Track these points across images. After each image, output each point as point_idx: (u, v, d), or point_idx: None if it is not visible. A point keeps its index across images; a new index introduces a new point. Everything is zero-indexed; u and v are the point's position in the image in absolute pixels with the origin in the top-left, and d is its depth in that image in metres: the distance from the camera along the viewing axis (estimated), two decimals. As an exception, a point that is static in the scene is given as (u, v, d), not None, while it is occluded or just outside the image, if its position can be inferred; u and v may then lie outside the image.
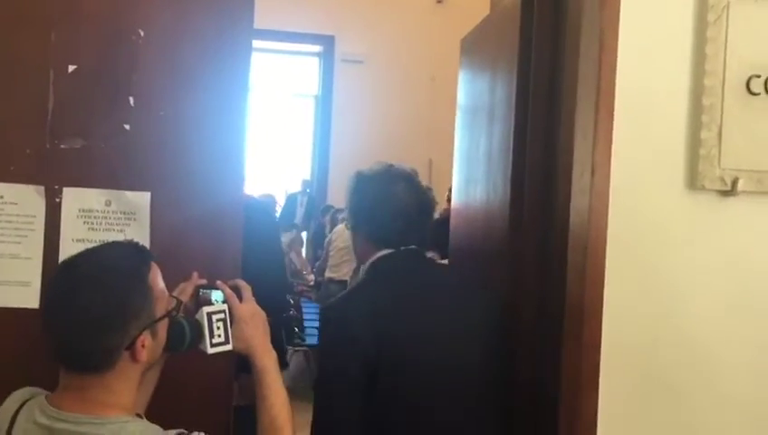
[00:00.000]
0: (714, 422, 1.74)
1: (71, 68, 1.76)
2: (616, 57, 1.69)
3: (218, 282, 1.51)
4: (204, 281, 1.51)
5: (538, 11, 1.99)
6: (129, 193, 1.79)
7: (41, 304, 1.64)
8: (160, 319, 1.28)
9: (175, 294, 1.44)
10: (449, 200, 4.49)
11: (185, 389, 1.72)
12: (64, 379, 1.24)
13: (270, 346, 1.46)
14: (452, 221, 2.80)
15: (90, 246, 1.72)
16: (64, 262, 1.30)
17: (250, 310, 1.47)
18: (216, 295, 1.48)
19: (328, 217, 7.87)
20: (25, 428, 1.23)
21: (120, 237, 1.75)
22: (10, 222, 1.75)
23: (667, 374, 1.72)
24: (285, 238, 7.34)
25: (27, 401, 1.27)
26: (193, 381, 1.72)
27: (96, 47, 1.77)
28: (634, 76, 1.71)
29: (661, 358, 1.72)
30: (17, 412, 1.25)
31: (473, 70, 2.60)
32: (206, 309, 1.41)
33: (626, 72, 1.70)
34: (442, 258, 3.74)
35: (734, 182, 1.72)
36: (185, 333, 1.38)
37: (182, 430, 1.23)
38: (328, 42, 8.94)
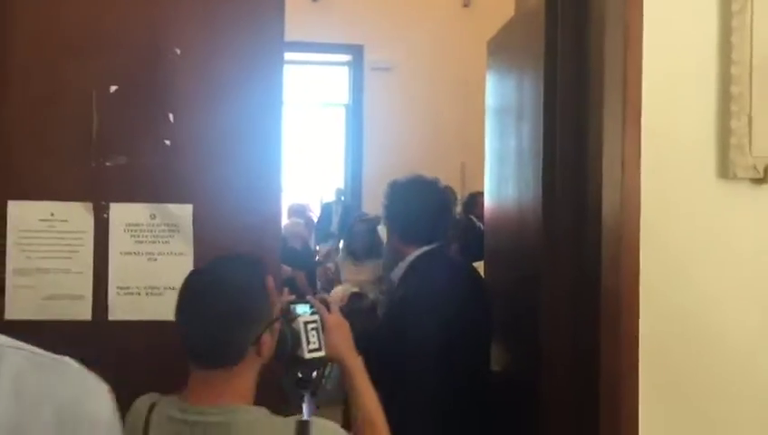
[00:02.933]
0: (751, 413, 1.73)
1: (112, 88, 1.84)
2: (641, 50, 1.70)
3: (308, 296, 1.71)
4: (293, 296, 1.65)
5: (562, 8, 2.02)
6: (171, 206, 1.85)
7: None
8: (276, 320, 1.47)
9: None
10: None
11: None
12: (195, 378, 1.40)
13: (355, 351, 1.61)
14: (486, 222, 2.84)
15: (137, 258, 1.84)
16: (195, 272, 1.51)
17: (337, 320, 1.61)
18: (302, 309, 1.59)
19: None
20: (159, 422, 1.39)
21: (164, 248, 1.84)
22: (62, 238, 1.83)
23: (704, 364, 1.72)
24: (323, 249, 7.40)
25: (155, 402, 1.42)
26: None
27: (135, 67, 1.85)
28: (660, 68, 1.72)
29: (697, 348, 1.72)
30: (150, 413, 1.41)
31: (500, 71, 2.63)
32: (302, 319, 1.55)
33: (652, 64, 1.71)
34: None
35: (767, 170, 1.72)
36: (287, 341, 1.52)
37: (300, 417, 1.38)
38: (357, 51, 9.00)
